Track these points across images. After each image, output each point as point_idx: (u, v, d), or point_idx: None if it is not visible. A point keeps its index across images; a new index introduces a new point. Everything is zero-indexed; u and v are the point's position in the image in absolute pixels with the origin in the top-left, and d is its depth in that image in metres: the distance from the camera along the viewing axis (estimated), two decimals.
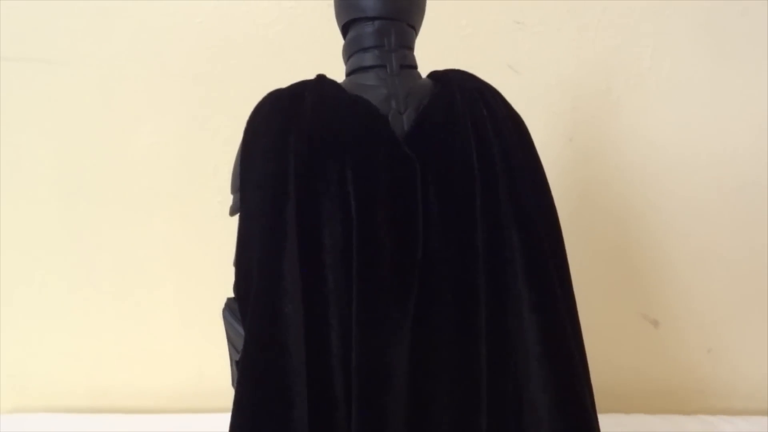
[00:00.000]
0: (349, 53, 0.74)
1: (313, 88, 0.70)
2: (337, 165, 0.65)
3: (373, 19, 0.71)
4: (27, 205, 1.41)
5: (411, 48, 0.75)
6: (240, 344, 0.69)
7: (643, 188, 1.39)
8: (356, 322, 0.64)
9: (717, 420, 1.34)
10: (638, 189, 1.39)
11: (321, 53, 1.31)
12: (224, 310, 0.74)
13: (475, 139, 0.69)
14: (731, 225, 1.39)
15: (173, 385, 1.46)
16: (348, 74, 0.75)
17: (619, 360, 1.41)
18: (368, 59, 0.72)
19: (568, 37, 1.35)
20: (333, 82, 0.72)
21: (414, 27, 0.75)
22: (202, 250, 1.42)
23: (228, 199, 1.43)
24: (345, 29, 0.76)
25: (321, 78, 0.73)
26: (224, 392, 1.42)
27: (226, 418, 1.32)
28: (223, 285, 1.37)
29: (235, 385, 0.73)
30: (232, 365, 0.74)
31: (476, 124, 0.70)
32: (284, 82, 1.32)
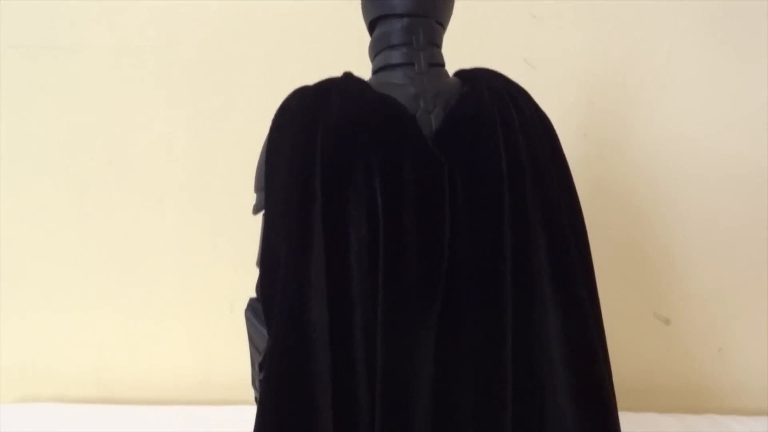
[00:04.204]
0: (376, 50, 0.73)
1: (340, 86, 0.69)
2: (364, 165, 0.64)
3: (401, 15, 0.70)
4: (34, 194, 1.39)
5: (439, 46, 0.73)
6: (262, 346, 0.68)
7: (657, 185, 1.38)
8: (381, 326, 0.63)
9: (728, 420, 1.33)
10: (652, 186, 1.38)
11: (334, 43, 1.30)
12: (247, 311, 0.73)
13: (503, 139, 0.68)
14: (745, 223, 1.38)
15: (180, 378, 1.46)
16: (375, 72, 0.73)
17: (630, 358, 1.40)
18: (396, 57, 0.70)
19: (585, 32, 1.34)
20: (360, 80, 0.70)
21: (442, 24, 0.74)
22: (212, 242, 1.41)
23: (240, 190, 1.42)
24: (372, 26, 0.74)
25: (348, 76, 0.71)
26: (231, 385, 1.43)
27: (232, 411, 1.35)
28: (233, 277, 1.38)
29: (256, 385, 0.73)
30: (253, 367, 0.73)
31: (505, 124, 0.69)
32: (297, 72, 1.30)
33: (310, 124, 0.66)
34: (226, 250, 1.40)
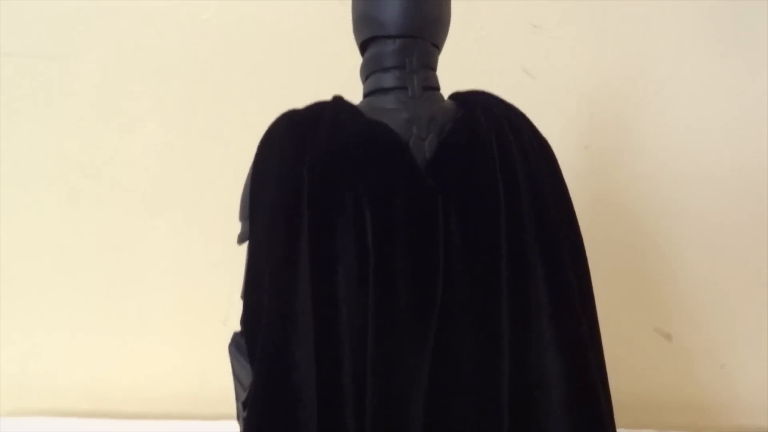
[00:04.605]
0: (367, 73, 0.70)
1: (329, 112, 0.66)
2: (353, 195, 0.62)
3: (394, 37, 0.67)
4: (27, 204, 1.37)
5: (434, 68, 0.70)
6: (247, 381, 0.66)
7: (660, 198, 1.35)
8: (371, 363, 0.60)
9: None
10: (655, 199, 1.35)
11: (329, 52, 1.28)
12: (230, 346, 0.70)
13: (500, 167, 0.66)
14: (750, 238, 1.35)
15: (174, 390, 1.43)
16: (366, 95, 0.70)
17: (631, 374, 1.37)
18: (388, 80, 0.67)
19: (587, 42, 1.31)
20: (350, 105, 0.68)
21: (437, 46, 0.71)
22: (206, 253, 1.38)
23: (233, 201, 1.40)
24: (363, 47, 0.71)
25: (338, 100, 0.68)
26: (225, 399, 1.39)
27: (227, 426, 1.32)
28: (226, 290, 1.35)
29: (240, 421, 0.70)
30: (238, 402, 0.70)
31: (502, 150, 0.66)
32: (291, 81, 1.29)
33: (297, 152, 0.63)
34: (220, 262, 1.38)
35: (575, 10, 1.29)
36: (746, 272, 1.36)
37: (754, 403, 1.40)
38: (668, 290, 1.39)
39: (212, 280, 1.39)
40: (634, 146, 1.34)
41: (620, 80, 1.32)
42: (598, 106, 1.33)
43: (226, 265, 1.36)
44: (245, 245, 0.70)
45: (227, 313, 1.39)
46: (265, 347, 0.61)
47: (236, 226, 1.37)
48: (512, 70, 1.31)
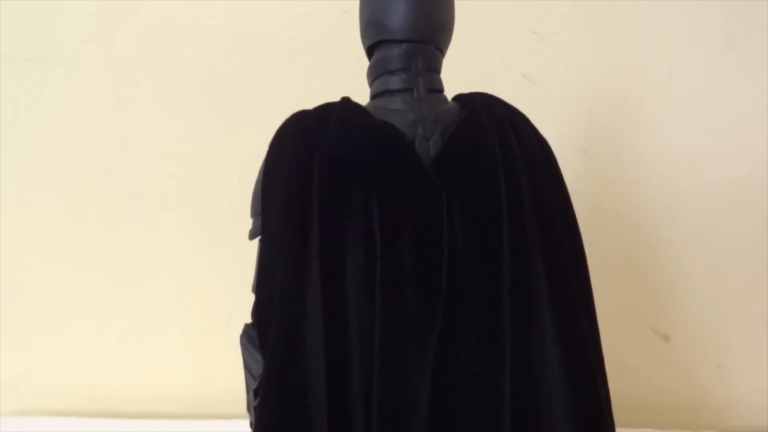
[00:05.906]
0: (374, 75, 0.72)
1: (337, 112, 0.69)
2: (361, 192, 0.64)
3: (400, 41, 0.69)
4: (31, 207, 1.39)
5: (438, 71, 0.73)
6: (258, 371, 0.68)
7: (657, 203, 1.37)
8: (378, 354, 0.62)
9: None
10: (652, 203, 1.37)
11: (334, 59, 1.30)
12: (242, 337, 0.73)
13: (502, 166, 0.68)
14: (746, 240, 1.38)
15: (178, 390, 1.45)
16: (373, 97, 0.73)
17: (628, 374, 1.39)
18: (395, 83, 0.70)
19: (585, 48, 1.33)
20: (358, 106, 0.70)
21: (441, 50, 0.73)
22: (209, 256, 1.40)
23: (237, 203, 1.42)
24: (370, 51, 0.74)
25: (346, 101, 0.71)
26: (228, 399, 1.42)
27: (229, 425, 1.34)
28: (230, 290, 1.37)
29: (250, 411, 0.72)
30: (248, 393, 0.72)
31: (504, 150, 0.68)
32: (296, 88, 1.32)
33: (307, 151, 0.65)
34: (224, 264, 1.39)
35: (574, 16, 1.31)
36: (743, 272, 1.38)
37: (751, 403, 1.41)
38: (666, 291, 1.40)
39: (216, 281, 1.40)
40: (632, 151, 1.36)
41: (618, 86, 1.34)
42: (596, 111, 1.35)
43: (230, 266, 1.39)
44: (256, 240, 0.72)
45: (231, 314, 1.41)
46: (276, 338, 0.63)
47: (240, 229, 1.39)
48: (511, 75, 1.34)
